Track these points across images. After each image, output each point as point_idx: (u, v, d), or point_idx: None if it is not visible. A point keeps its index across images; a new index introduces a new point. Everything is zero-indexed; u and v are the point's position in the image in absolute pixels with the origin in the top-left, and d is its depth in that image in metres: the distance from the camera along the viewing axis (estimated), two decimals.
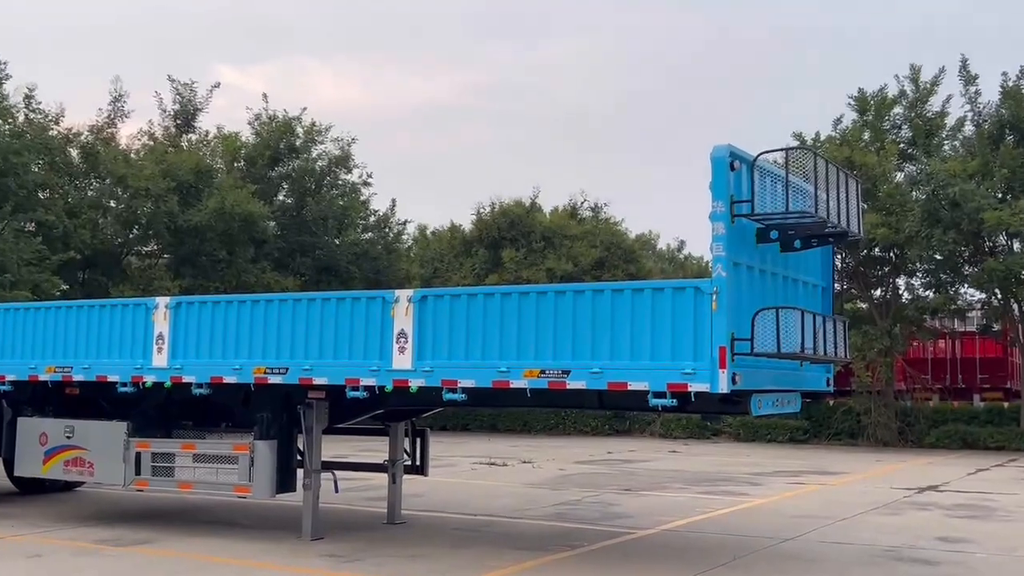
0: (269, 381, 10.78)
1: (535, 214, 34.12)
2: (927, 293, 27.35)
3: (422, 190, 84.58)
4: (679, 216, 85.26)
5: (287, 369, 10.66)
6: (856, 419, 27.89)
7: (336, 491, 12.18)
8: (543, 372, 9.28)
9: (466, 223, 35.09)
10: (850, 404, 28.06)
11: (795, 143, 25.89)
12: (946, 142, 26.64)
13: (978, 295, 27.62)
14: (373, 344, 10.16)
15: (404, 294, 10.13)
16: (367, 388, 10.17)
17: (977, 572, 9.78)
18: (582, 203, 36.82)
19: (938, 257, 26.01)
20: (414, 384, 9.87)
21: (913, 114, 26.64)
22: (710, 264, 8.88)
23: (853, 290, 28.60)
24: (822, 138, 27.16)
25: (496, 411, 32.31)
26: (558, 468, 20.27)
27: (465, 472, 19.48)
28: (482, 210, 33.97)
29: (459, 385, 9.65)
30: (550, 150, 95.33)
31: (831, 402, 29.05)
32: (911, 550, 10.92)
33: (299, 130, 33.03)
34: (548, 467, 20.52)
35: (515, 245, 32.72)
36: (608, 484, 17.45)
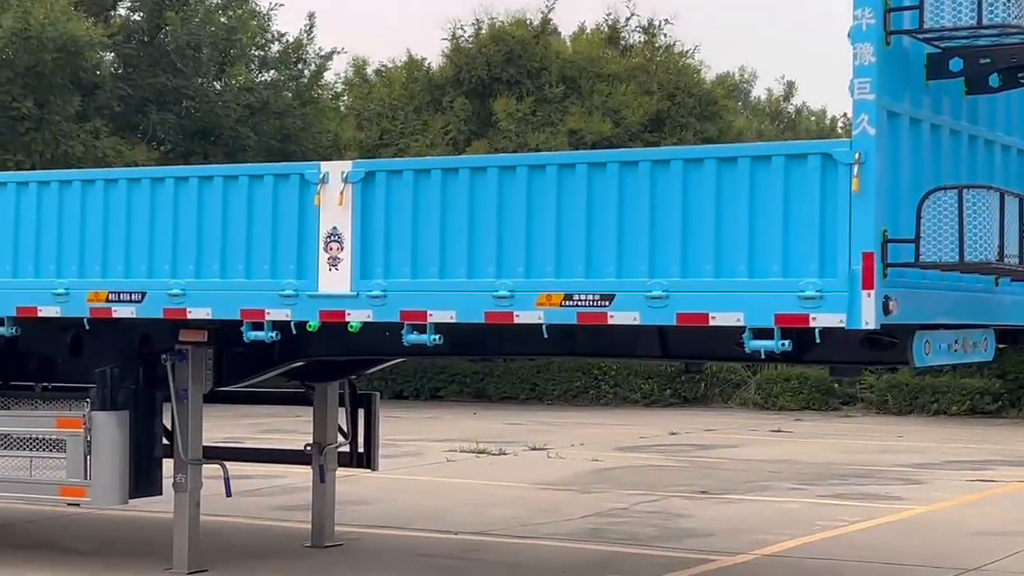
0: (114, 314, 10.80)
1: (549, 39, 33.86)
2: None
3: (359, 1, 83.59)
4: (787, 45, 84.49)
5: (143, 294, 10.67)
6: None
7: (228, 494, 12.32)
8: (569, 297, 9.27)
9: (434, 56, 34.84)
10: None
11: None
12: None
13: None
14: (286, 253, 10.15)
15: (337, 169, 10.08)
16: (277, 325, 10.18)
17: None
18: (627, 21, 36.52)
19: None
20: (355, 318, 9.88)
21: None
22: (847, 117, 8.83)
23: None
24: None
25: (490, 365, 32.57)
26: (590, 458, 20.51)
27: (438, 465, 19.69)
28: (461, 34, 33.71)
29: (430, 320, 9.65)
30: None
31: None
32: None
33: None
34: (574, 457, 20.75)
35: (516, 91, 32.56)
36: (672, 483, 17.66)
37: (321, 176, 10.10)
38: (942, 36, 8.96)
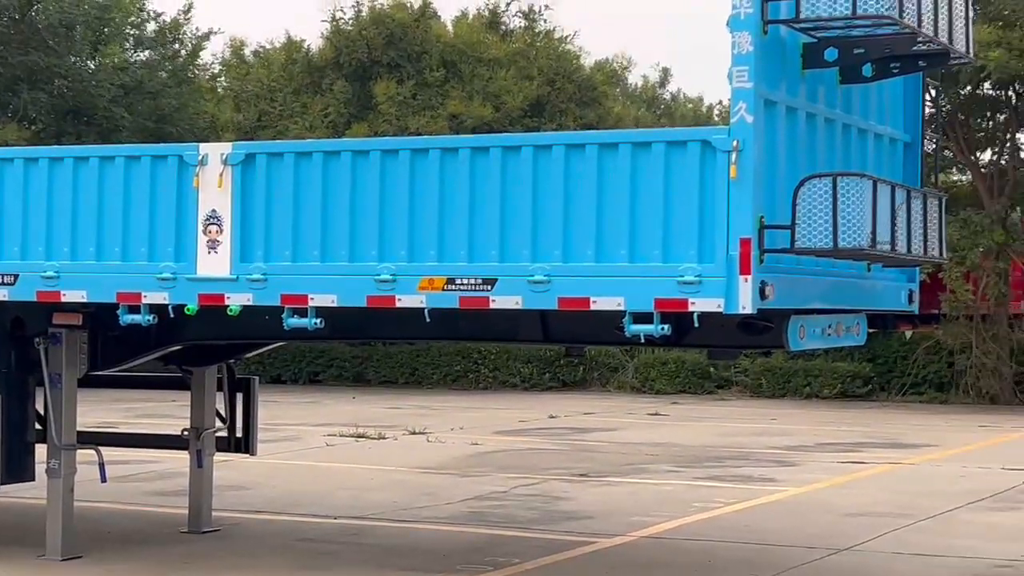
0: None
1: (430, 23, 33.81)
2: None
3: None
4: (665, 32, 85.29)
5: (16, 276, 10.55)
6: (947, 361, 28.83)
7: (103, 479, 12.17)
8: (452, 281, 9.32)
9: (313, 39, 34.60)
10: (938, 337, 28.97)
11: None
12: None
13: None
14: (163, 235, 10.09)
15: (216, 151, 10.02)
16: (154, 308, 10.11)
17: None
18: (507, 7, 36.56)
19: None
20: (235, 301, 9.84)
21: None
22: (724, 104, 8.96)
23: (948, 151, 29.24)
24: None
25: (369, 349, 32.53)
26: (470, 442, 20.58)
27: (317, 449, 19.64)
28: (340, 16, 33.52)
29: (311, 303, 9.65)
30: None
31: (908, 334, 29.92)
32: None
33: None
34: (454, 441, 20.81)
35: (396, 75, 32.47)
36: (551, 466, 17.80)
37: (200, 158, 10.03)
38: (818, 26, 9.15)
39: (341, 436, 20.96)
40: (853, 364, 29.71)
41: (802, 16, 8.93)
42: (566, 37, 36.43)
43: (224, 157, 9.95)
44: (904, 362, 29.50)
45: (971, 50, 10.24)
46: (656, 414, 26.29)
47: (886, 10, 9.01)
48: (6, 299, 10.66)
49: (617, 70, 47.72)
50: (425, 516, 13.77)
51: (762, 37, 8.79)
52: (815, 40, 9.31)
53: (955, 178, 30.63)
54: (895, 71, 9.96)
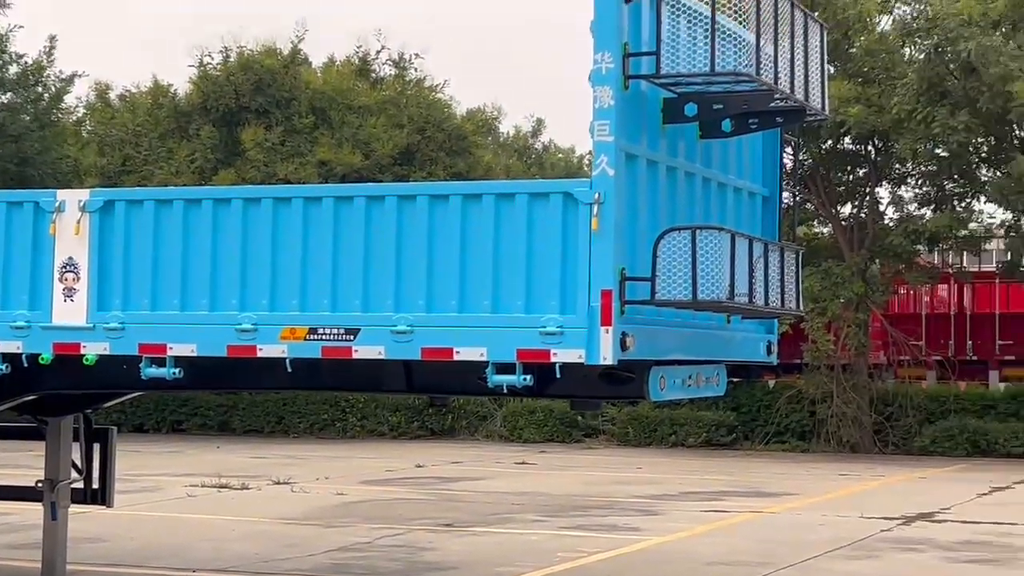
0: None
1: (299, 70, 33.68)
2: (923, 211, 28.87)
3: (102, 23, 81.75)
4: (537, 82, 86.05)
5: None
6: (809, 410, 29.28)
7: None
8: (314, 331, 9.31)
9: (181, 83, 34.28)
10: (800, 387, 29.43)
11: None
12: None
13: (1001, 214, 29.39)
14: (18, 282, 9.96)
15: (74, 198, 9.93)
16: (7, 357, 9.96)
17: None
18: (378, 54, 36.58)
19: (941, 153, 27.45)
20: (91, 351, 9.73)
21: None
22: (589, 157, 9.07)
23: (810, 205, 29.83)
24: None
25: (234, 397, 32.14)
26: (336, 492, 20.41)
27: (178, 500, 19.31)
28: (208, 60, 33.27)
29: (170, 353, 9.56)
30: None
31: (771, 383, 30.38)
32: None
33: None
34: (319, 491, 20.61)
35: (265, 121, 32.29)
36: (417, 516, 17.71)
37: (57, 204, 9.92)
38: (678, 82, 9.33)
39: (203, 486, 20.65)
40: (718, 413, 30.02)
41: (662, 72, 9.10)
42: (437, 86, 36.52)
43: (82, 204, 9.85)
44: (767, 411, 29.89)
45: (826, 107, 10.49)
46: (523, 463, 26.30)
47: (744, 68, 9.26)
48: None
49: (488, 119, 48.04)
50: (286, 568, 13.60)
51: (623, 92, 8.95)
52: (675, 95, 9.48)
53: (816, 230, 31.21)
54: (753, 127, 10.17)
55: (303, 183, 26.31)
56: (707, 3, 9.22)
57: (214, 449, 28.65)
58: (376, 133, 32.47)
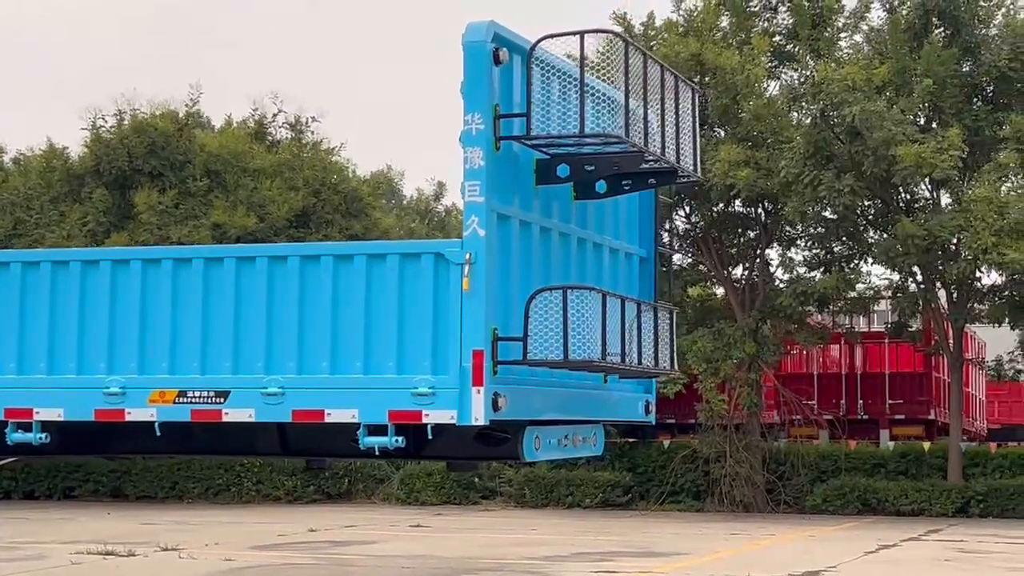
0: None
1: (194, 133, 33.48)
2: (812, 273, 29.19)
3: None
4: (437, 145, 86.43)
5: None
6: (704, 470, 29.35)
7: None
8: (183, 394, 9.21)
9: (75, 146, 33.90)
10: (694, 446, 29.53)
11: (618, 28, 26.82)
12: (843, 36, 28.45)
13: (888, 276, 29.82)
14: None
15: None
16: None
17: None
18: (275, 117, 36.49)
19: (829, 215, 27.82)
20: None
21: None
22: (460, 216, 9.08)
23: (702, 266, 30.07)
24: (658, 22, 28.32)
25: (127, 463, 31.55)
26: (223, 558, 20.03)
27: (60, 568, 18.84)
28: (101, 123, 32.97)
29: (36, 417, 9.41)
30: (221, 25, 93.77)
31: (665, 443, 30.46)
32: None
33: None
34: (207, 557, 20.23)
35: (159, 184, 32.00)
36: None
37: None
38: (549, 143, 9.36)
39: (88, 553, 20.15)
40: (614, 473, 29.99)
41: (533, 133, 9.14)
42: (333, 149, 36.52)
43: None
44: (662, 471, 29.92)
45: (699, 168, 10.57)
46: (419, 526, 26.07)
47: (613, 129, 9.29)
48: None
49: (388, 182, 48.10)
50: None
51: (494, 153, 8.98)
52: (548, 157, 9.52)
53: (709, 291, 31.42)
54: (627, 188, 10.23)
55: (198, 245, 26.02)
56: (578, 64, 9.26)
57: (105, 515, 28.04)
58: (271, 195, 32.30)
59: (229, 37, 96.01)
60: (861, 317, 33.11)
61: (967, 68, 27.59)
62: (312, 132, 36.46)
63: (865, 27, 28.82)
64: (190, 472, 31.95)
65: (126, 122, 32.78)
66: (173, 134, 32.49)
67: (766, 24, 28.93)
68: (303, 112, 36.48)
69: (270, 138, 36.01)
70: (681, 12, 28.87)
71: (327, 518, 27.21)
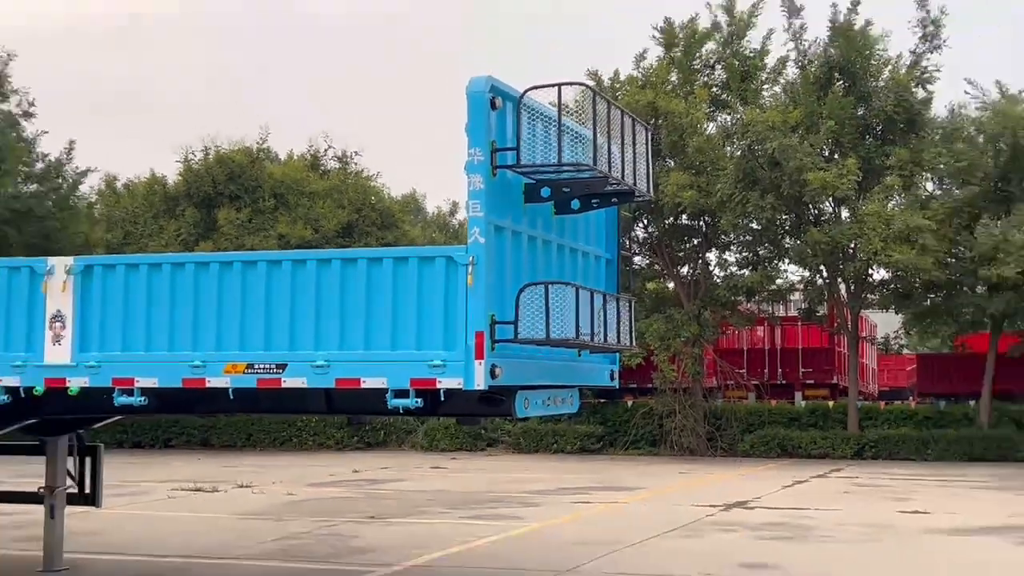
0: None
1: (264, 164, 33.44)
2: (743, 271, 29.11)
3: (112, 129, 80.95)
4: (451, 172, 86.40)
5: None
6: (658, 423, 29.34)
7: None
8: (251, 367, 9.12)
9: (171, 175, 33.93)
10: (651, 405, 29.50)
11: (590, 82, 26.70)
12: (766, 87, 28.40)
13: (800, 273, 29.75)
14: (17, 330, 9.68)
15: (61, 263, 9.68)
16: (8, 390, 9.68)
17: None
18: (326, 151, 36.43)
19: (755, 226, 27.76)
20: (74, 384, 9.46)
21: (728, 51, 28.19)
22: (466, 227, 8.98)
23: (657, 266, 30.00)
24: (622, 77, 28.23)
25: (210, 423, 31.53)
26: (286, 493, 20.02)
27: (160, 501, 18.83)
28: (191, 157, 32.93)
29: (137, 385, 9.32)
30: (284, 80, 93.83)
31: (630, 402, 30.43)
32: None
33: None
34: (273, 492, 20.21)
35: (236, 204, 31.96)
36: (349, 511, 17.42)
37: (48, 268, 9.68)
38: (535, 171, 9.27)
39: (182, 490, 20.14)
40: (589, 426, 29.97)
41: (522, 163, 9.06)
42: (372, 176, 36.48)
43: (67, 268, 9.61)
44: (626, 424, 29.91)
45: (651, 189, 10.46)
46: (438, 467, 26.04)
47: (584, 160, 9.23)
48: None
49: (412, 202, 47.97)
50: (241, 554, 13.27)
51: (491, 179, 8.90)
52: (533, 181, 9.43)
53: (663, 285, 31.33)
54: (595, 205, 10.13)
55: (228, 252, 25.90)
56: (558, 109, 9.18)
57: (195, 460, 28.04)
58: (323, 212, 32.26)
59: (293, 88, 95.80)
60: (780, 305, 32.99)
61: (861, 112, 27.56)
62: (355, 163, 36.48)
63: (782, 80, 28.81)
64: (261, 426, 31.94)
65: (211, 155, 32.72)
66: (247, 165, 32.44)
67: (706, 78, 28.87)
68: (348, 147, 36.42)
69: (322, 168, 35.99)
70: (640, 69, 28.81)
71: (367, 461, 27.21)
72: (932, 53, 27.32)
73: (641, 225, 29.45)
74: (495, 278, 8.90)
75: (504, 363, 8.82)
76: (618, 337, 9.85)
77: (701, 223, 29.21)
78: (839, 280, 28.58)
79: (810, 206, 27.55)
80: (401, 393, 8.91)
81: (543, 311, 8.82)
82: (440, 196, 78.77)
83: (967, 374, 31.57)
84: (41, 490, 12.08)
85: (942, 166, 26.90)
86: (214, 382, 9.18)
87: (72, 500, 12.23)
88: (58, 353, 9.51)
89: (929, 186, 28.12)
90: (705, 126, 27.78)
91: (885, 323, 43.09)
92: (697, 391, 29.24)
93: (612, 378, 11.22)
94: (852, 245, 26.80)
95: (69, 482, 12.15)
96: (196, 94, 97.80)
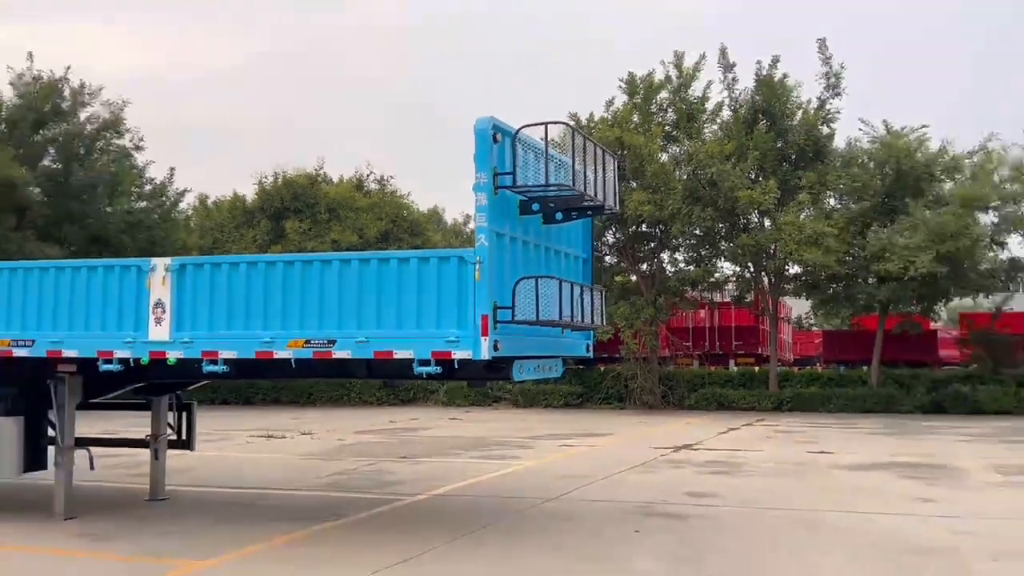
0: (14, 354, 10.00)
1: (320, 185, 33.33)
2: (688, 267, 29.02)
3: (203, 158, 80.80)
4: (465, 191, 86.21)
5: (33, 341, 9.90)
6: (624, 384, 29.27)
7: (92, 468, 11.38)
8: (308, 342, 9.05)
9: (249, 193, 33.82)
10: (618, 370, 29.41)
11: (571, 121, 26.58)
12: (706, 125, 28.26)
13: (733, 268, 29.68)
14: (128, 315, 9.61)
15: (161, 263, 9.61)
16: (121, 360, 9.62)
17: (719, 523, 10.44)
18: (368, 175, 36.32)
19: (698, 233, 27.65)
20: (172, 356, 9.40)
21: (677, 98, 28.06)
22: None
23: (623, 264, 29.88)
24: (596, 119, 28.10)
25: (279, 383, 31.47)
26: (337, 439, 19.97)
27: (239, 445, 18.80)
28: (264, 180, 32.83)
29: (220, 356, 9.26)
30: (336, 120, 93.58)
31: (602, 368, 30.33)
32: (662, 505, 11.52)
33: (67, 91, 30.50)
34: (327, 438, 20.17)
35: (299, 216, 31.85)
36: (386, 453, 17.37)
37: (152, 267, 9.60)
38: (527, 190, 9.19)
39: (257, 437, 20.11)
40: (571, 387, 29.89)
41: (517, 184, 8.98)
42: (404, 195, 36.37)
43: (166, 266, 9.54)
44: (600, 385, 29.83)
45: (617, 204, 10.38)
46: (454, 419, 25.98)
47: (565, 181, 9.15)
48: (27, 355, 9.97)
49: (436, 215, 47.77)
50: (303, 486, 13.24)
51: (494, 196, 8.81)
52: (526, 198, 9.35)
53: (627, 278, 31.25)
54: (575, 216, 10.04)
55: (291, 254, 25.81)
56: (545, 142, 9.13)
57: (268, 414, 28.01)
58: (366, 223, 32.15)
59: (342, 126, 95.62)
60: (717, 293, 32.91)
61: (780, 144, 27.45)
62: (391, 184, 36.30)
63: (719, 120, 28.65)
64: (319, 387, 31.84)
65: (280, 179, 32.59)
66: (308, 186, 32.34)
67: (660, 119, 28.71)
68: (385, 172, 36.27)
69: (366, 188, 35.82)
70: (609, 112, 28.69)
71: (400, 415, 27.13)
72: (834, 99, 27.30)
73: (610, 232, 29.33)
74: (496, 273, 8.82)
75: (504, 339, 8.75)
76: (592, 318, 9.78)
77: (657, 231, 29.10)
78: (763, 274, 28.50)
79: (740, 217, 27.45)
80: (424, 362, 8.85)
81: (534, 299, 8.75)
82: (457, 210, 78.66)
83: (861, 346, 31.49)
84: (148, 437, 12.04)
85: (842, 186, 26.84)
86: (280, 354, 9.11)
87: (172, 445, 12.21)
88: (159, 332, 9.46)
89: (832, 201, 27.99)
90: (660, 156, 27.67)
91: (798, 306, 43.02)
92: (654, 359, 29.17)
93: (588, 350, 11.15)
94: (773, 247, 26.74)
95: (169, 431, 12.11)
96: (266, 131, 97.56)
